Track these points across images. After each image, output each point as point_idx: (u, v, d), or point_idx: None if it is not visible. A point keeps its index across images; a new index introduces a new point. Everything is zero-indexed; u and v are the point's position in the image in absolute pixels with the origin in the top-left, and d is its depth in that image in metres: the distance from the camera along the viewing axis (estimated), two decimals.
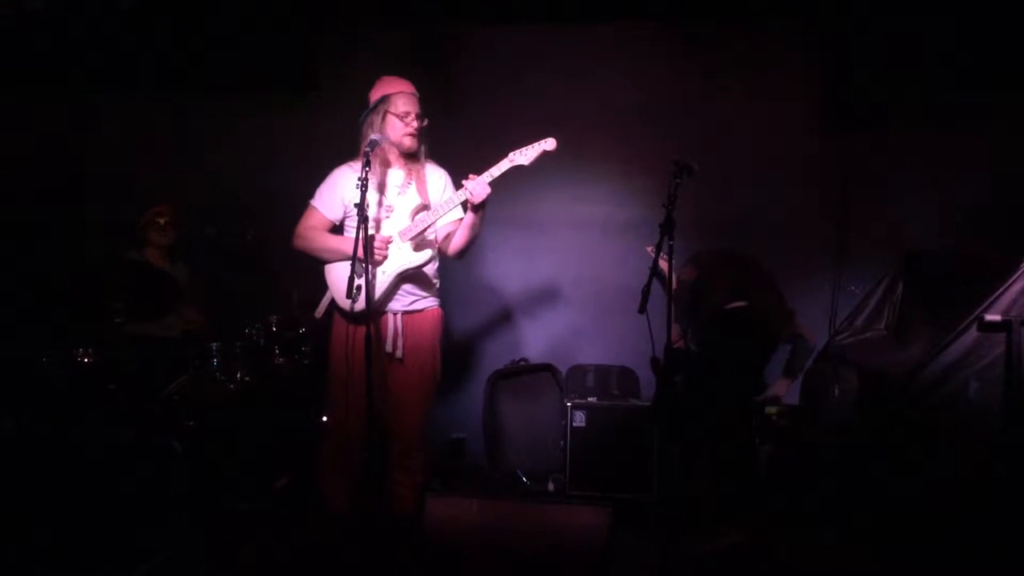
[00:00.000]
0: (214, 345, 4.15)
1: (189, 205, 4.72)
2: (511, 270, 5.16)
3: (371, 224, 3.41)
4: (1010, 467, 3.31)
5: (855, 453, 3.82)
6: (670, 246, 3.36)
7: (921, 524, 3.48)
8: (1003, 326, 3.31)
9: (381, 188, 3.44)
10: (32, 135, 5.08)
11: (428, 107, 4.82)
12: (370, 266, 3.20)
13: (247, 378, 4.17)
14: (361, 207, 3.11)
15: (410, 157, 3.48)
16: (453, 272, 5.11)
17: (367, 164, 3.17)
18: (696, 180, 3.43)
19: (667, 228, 3.37)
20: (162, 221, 4.54)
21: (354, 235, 3.48)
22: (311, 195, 3.54)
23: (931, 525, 3.45)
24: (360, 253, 3.18)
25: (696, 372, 4.16)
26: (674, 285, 4.21)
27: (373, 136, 3.31)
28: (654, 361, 3.61)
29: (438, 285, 3.64)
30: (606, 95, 5.03)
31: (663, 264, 3.51)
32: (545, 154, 3.32)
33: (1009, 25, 4.54)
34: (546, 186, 5.08)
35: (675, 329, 4.29)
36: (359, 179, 3.15)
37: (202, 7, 4.70)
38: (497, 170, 3.32)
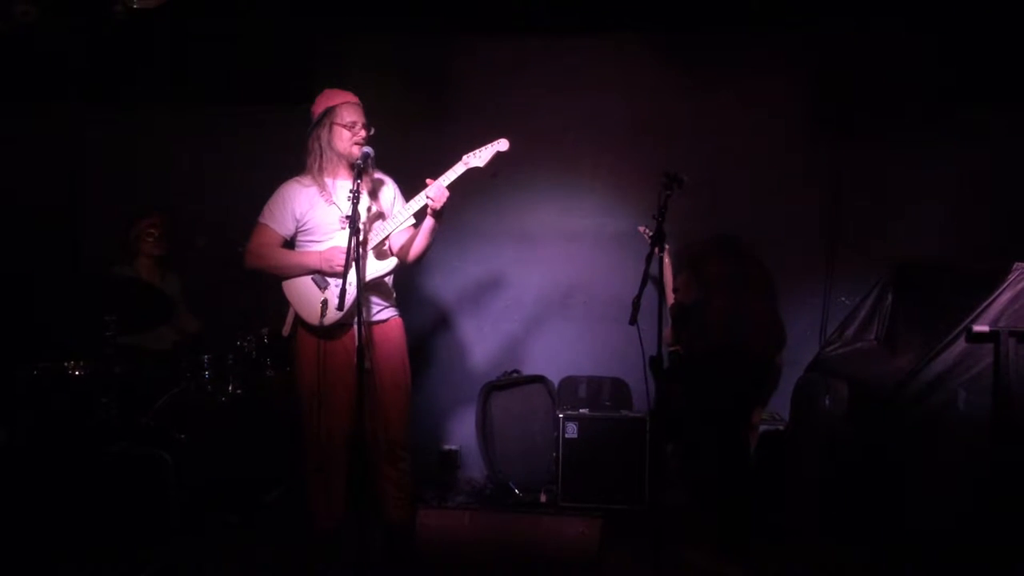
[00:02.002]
0: (206, 357, 4.15)
1: (181, 216, 4.72)
2: (503, 282, 5.17)
3: (329, 237, 3.43)
4: (999, 477, 3.33)
5: (845, 463, 3.83)
6: (660, 258, 3.38)
7: (913, 533, 3.48)
8: (991, 337, 3.33)
9: (334, 200, 3.46)
10: (26, 146, 5.07)
11: (420, 117, 4.85)
12: (346, 277, 3.20)
13: (239, 390, 4.16)
14: (353, 219, 3.13)
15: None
16: (444, 284, 5.15)
17: (359, 177, 3.18)
18: (686, 192, 3.45)
19: (657, 239, 3.38)
20: (156, 232, 4.53)
21: (310, 249, 3.49)
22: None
23: (923, 534, 3.46)
24: (347, 265, 3.19)
25: (694, 383, 4.16)
26: (668, 288, 4.22)
27: (365, 149, 3.33)
28: (654, 361, 3.57)
29: (395, 295, 3.65)
30: (598, 106, 5.05)
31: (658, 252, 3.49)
32: (499, 155, 3.33)
33: (1006, 34, 4.59)
34: (537, 198, 5.11)
35: (670, 332, 4.28)
36: (351, 191, 3.16)
37: (196, 18, 4.71)
38: (452, 173, 3.35)
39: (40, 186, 5.10)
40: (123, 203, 4.81)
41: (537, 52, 5.07)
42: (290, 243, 3.57)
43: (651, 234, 3.45)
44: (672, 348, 4.35)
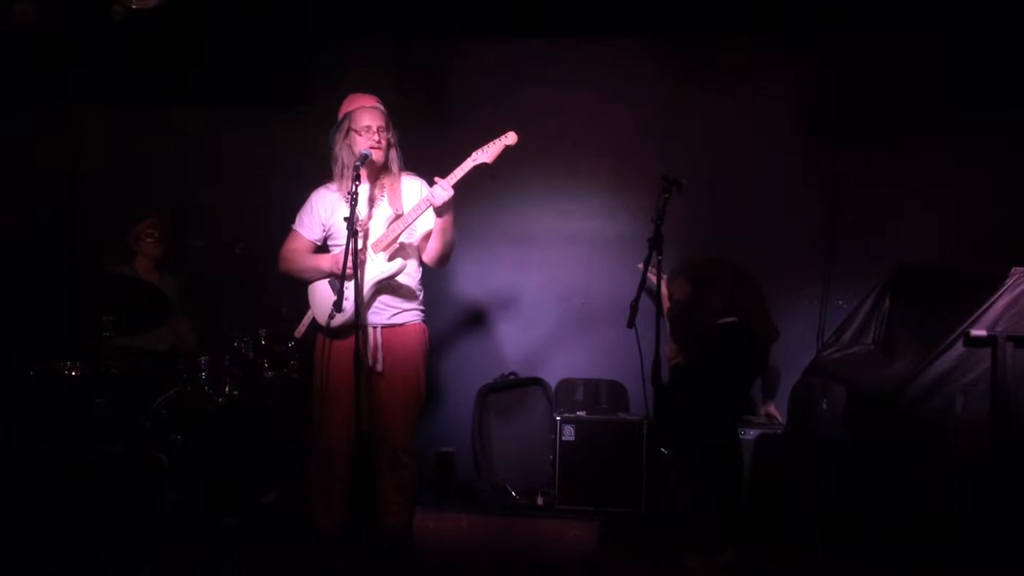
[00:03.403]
0: (203, 359, 4.14)
1: (179, 217, 4.72)
2: (501, 284, 5.17)
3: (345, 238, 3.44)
4: (997, 481, 3.33)
5: (843, 466, 3.83)
6: (659, 261, 3.37)
7: (910, 537, 3.49)
8: (989, 341, 3.33)
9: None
10: (24, 147, 5.07)
11: (420, 119, 4.84)
12: (345, 280, 3.19)
13: (236, 392, 4.15)
14: (351, 221, 3.12)
15: (381, 170, 3.49)
16: (442, 286, 5.13)
17: (357, 178, 3.18)
18: (685, 195, 3.45)
19: (656, 243, 3.38)
20: (156, 233, 4.53)
21: (334, 253, 3.50)
22: (293, 215, 3.63)
23: (920, 538, 3.47)
24: (349, 267, 3.18)
25: (690, 387, 4.18)
26: (665, 302, 4.24)
27: (363, 151, 3.33)
28: (653, 374, 3.57)
29: (421, 298, 3.64)
30: (597, 109, 5.05)
31: (652, 277, 3.52)
32: (508, 149, 3.32)
33: (1006, 35, 4.59)
34: (536, 200, 5.11)
35: (672, 347, 4.30)
36: (348, 193, 3.15)
37: (195, 19, 4.71)
38: (461, 171, 3.33)
39: (39, 186, 5.10)
40: (121, 204, 4.80)
41: (537, 55, 5.08)
42: (323, 248, 3.62)
43: (654, 270, 3.44)
44: (673, 361, 4.35)
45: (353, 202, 3.14)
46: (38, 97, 5.05)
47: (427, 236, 3.53)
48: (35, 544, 3.39)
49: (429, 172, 3.43)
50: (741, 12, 4.74)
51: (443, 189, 3.30)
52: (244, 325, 4.33)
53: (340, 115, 3.51)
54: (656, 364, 3.42)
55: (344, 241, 3.43)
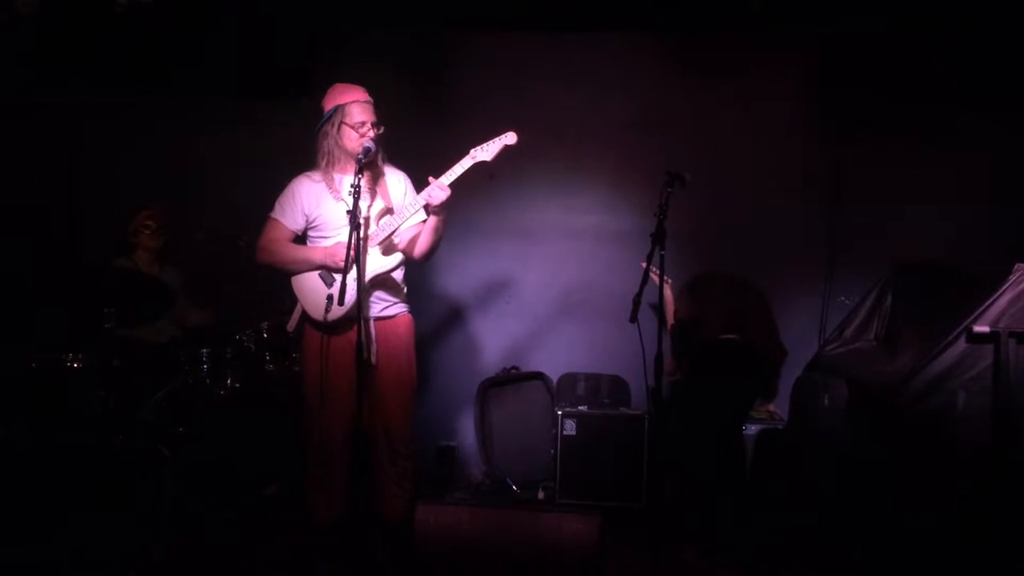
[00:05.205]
0: (204, 351, 4.14)
1: (181, 210, 4.71)
2: (503, 279, 5.17)
3: (337, 233, 3.41)
4: (998, 477, 3.33)
5: (844, 462, 3.84)
6: (661, 256, 3.37)
7: (910, 534, 3.49)
8: (991, 337, 3.32)
9: (342, 196, 3.44)
10: (25, 138, 5.06)
11: (419, 113, 4.83)
12: (346, 273, 3.16)
13: (237, 384, 4.15)
14: (354, 215, 3.11)
15: (371, 164, 3.47)
16: (443, 280, 5.14)
17: (360, 172, 3.16)
18: (688, 190, 3.44)
19: (658, 238, 3.37)
20: (153, 225, 4.53)
21: (319, 244, 3.47)
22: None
23: (921, 534, 3.47)
24: (347, 261, 3.16)
25: (686, 401, 4.20)
26: (669, 318, 4.24)
27: (366, 144, 3.31)
28: (653, 391, 3.57)
29: (406, 291, 3.63)
30: (600, 104, 5.05)
31: (654, 276, 3.51)
32: (507, 148, 3.30)
33: (1006, 35, 4.59)
34: (538, 195, 5.10)
35: (671, 363, 4.31)
36: (352, 186, 3.14)
37: (196, 12, 4.70)
38: (460, 168, 3.31)
39: (38, 180, 5.09)
40: (122, 197, 4.80)
41: (539, 49, 5.07)
42: (301, 238, 3.55)
43: (656, 270, 3.44)
44: (672, 378, 4.35)
45: (356, 195, 3.12)
46: (38, 91, 5.04)
47: (414, 233, 3.52)
48: (35, 535, 3.39)
49: (428, 166, 3.41)
50: (743, 9, 4.72)
51: (440, 190, 3.28)
52: (246, 317, 4.33)
53: (327, 105, 3.46)
54: (658, 374, 3.38)
55: (333, 233, 3.43)
